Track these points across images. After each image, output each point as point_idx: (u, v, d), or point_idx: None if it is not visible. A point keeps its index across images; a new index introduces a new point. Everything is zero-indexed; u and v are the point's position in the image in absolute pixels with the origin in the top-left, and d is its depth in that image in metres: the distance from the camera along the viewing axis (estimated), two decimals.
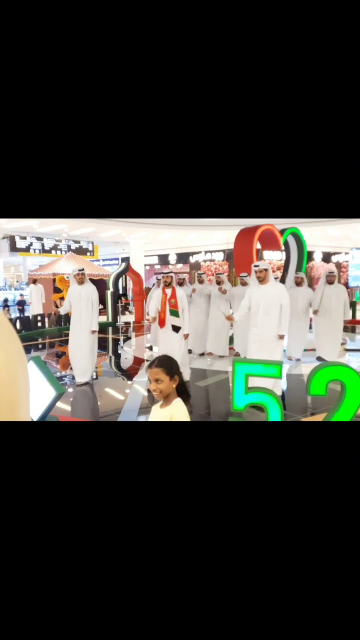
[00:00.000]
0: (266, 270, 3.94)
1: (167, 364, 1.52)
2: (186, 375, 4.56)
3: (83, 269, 4.77)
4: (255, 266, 3.98)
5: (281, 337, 3.94)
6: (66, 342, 5.22)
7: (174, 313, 4.34)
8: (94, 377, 5.01)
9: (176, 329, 4.36)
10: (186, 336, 4.47)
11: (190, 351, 5.79)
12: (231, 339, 6.07)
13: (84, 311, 4.63)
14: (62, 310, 4.79)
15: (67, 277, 10.50)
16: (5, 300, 13.70)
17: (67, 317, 10.00)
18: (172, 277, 4.48)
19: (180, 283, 5.79)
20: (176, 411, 1.49)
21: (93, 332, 4.72)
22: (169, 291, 4.39)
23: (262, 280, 3.93)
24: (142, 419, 3.61)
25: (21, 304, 12.26)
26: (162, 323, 4.41)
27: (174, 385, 1.52)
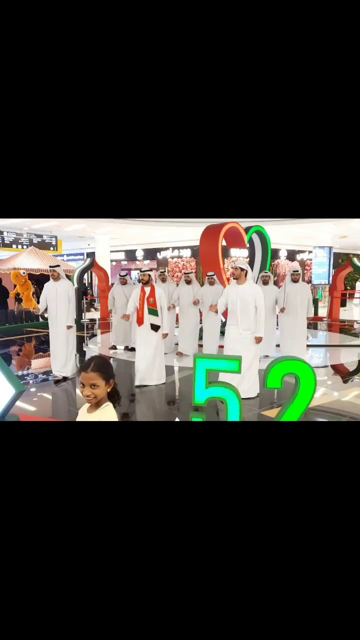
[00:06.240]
0: (242, 270, 3.95)
1: (104, 368, 1.41)
2: (162, 378, 4.42)
3: (57, 266, 4.73)
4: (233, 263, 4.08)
5: (258, 340, 3.89)
6: (28, 339, 5.08)
7: (153, 312, 4.22)
8: (73, 373, 4.90)
9: (155, 327, 4.26)
10: (165, 335, 4.37)
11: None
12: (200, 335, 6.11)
13: (61, 307, 4.59)
14: (41, 308, 4.68)
15: (24, 273, 10.15)
16: None
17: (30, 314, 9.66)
18: (149, 275, 4.35)
19: (163, 279, 5.73)
20: (105, 416, 1.38)
21: (69, 327, 4.67)
22: (147, 289, 4.26)
23: (237, 278, 3.96)
24: None
25: None
26: (140, 321, 4.31)
27: (108, 390, 1.42)
